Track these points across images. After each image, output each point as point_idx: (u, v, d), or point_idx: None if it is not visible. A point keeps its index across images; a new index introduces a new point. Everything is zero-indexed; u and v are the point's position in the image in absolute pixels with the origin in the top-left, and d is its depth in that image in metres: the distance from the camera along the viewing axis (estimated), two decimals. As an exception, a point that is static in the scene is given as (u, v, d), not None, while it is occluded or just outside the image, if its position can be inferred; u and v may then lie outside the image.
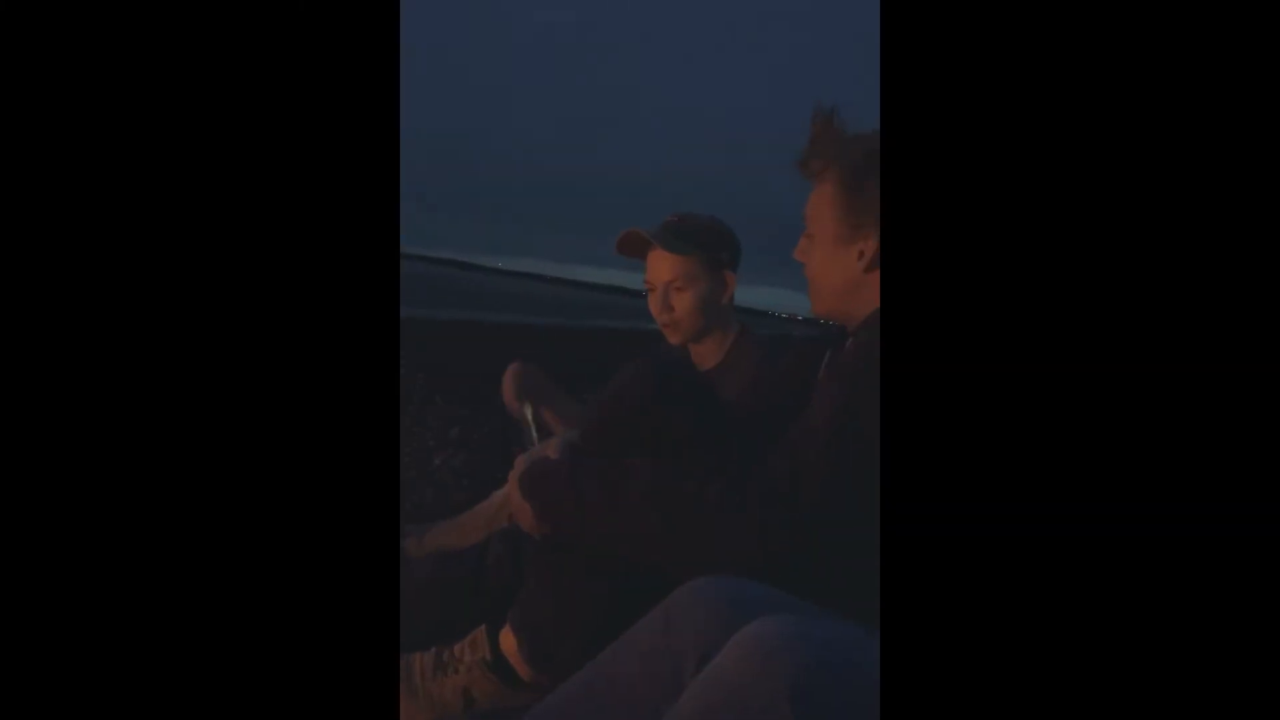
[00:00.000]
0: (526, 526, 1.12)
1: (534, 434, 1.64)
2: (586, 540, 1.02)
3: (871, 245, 1.03)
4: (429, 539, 1.67)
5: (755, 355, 1.65)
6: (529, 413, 1.66)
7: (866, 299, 1.05)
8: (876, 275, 1.04)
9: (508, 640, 1.13)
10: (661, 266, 1.65)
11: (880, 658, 0.57)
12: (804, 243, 1.10)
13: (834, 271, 1.07)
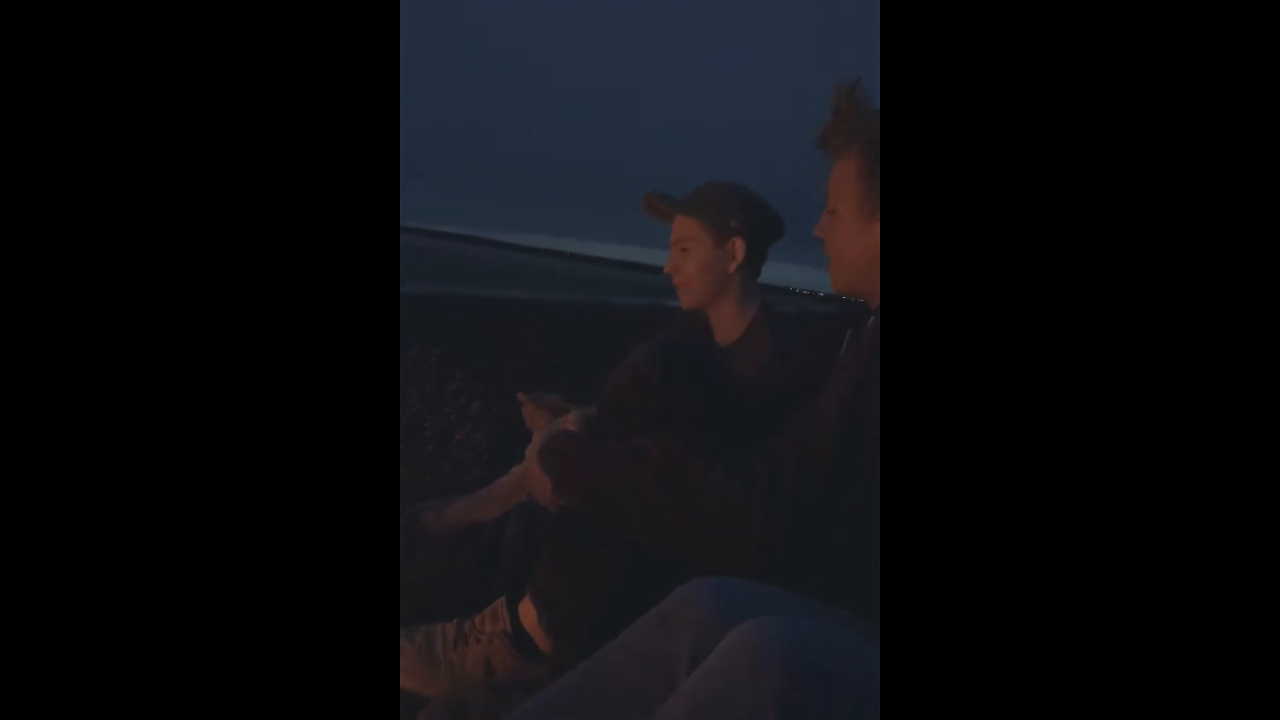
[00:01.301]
0: (543, 500, 1.12)
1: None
2: (600, 516, 1.03)
3: None
4: (449, 513, 1.69)
5: (774, 332, 1.65)
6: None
7: None
8: None
9: (527, 612, 1.14)
10: (674, 227, 1.71)
11: (880, 654, 0.57)
12: (826, 219, 1.10)
13: (856, 247, 1.06)
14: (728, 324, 1.70)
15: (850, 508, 0.86)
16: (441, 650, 1.17)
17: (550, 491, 1.08)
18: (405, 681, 1.17)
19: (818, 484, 0.87)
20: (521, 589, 1.17)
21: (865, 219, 1.05)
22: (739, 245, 1.66)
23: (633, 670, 0.76)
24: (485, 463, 2.61)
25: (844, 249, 1.08)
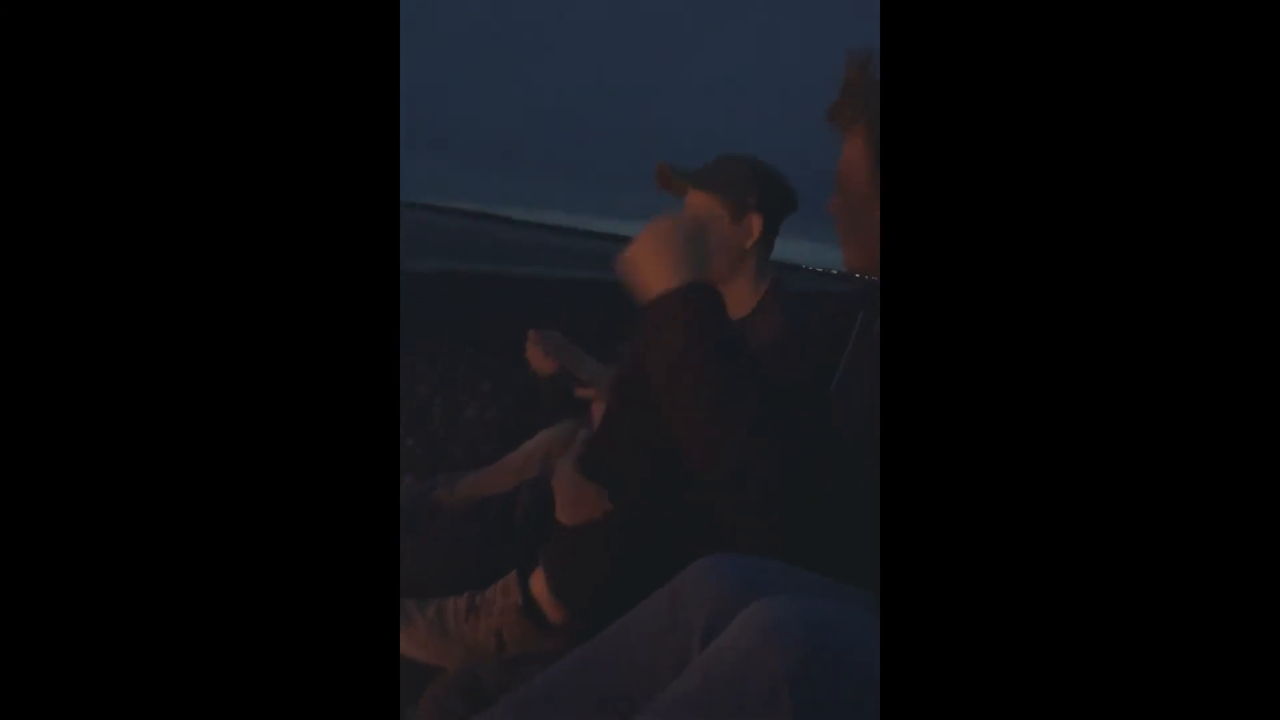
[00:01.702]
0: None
1: (571, 383, 1.67)
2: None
3: None
4: (460, 488, 1.70)
5: (785, 309, 1.65)
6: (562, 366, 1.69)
7: None
8: None
9: (538, 584, 1.15)
10: (689, 201, 1.68)
11: (881, 640, 0.57)
12: (837, 197, 1.09)
13: (867, 225, 1.05)
14: (739, 299, 1.70)
15: (866, 490, 0.87)
16: (453, 624, 1.19)
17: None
18: (417, 654, 1.19)
19: (836, 467, 0.87)
20: (533, 562, 1.18)
21: (875, 197, 1.03)
22: (756, 222, 1.65)
23: (644, 647, 0.76)
24: (496, 440, 2.62)
25: (855, 227, 1.07)
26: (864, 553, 0.84)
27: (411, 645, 1.19)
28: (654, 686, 0.72)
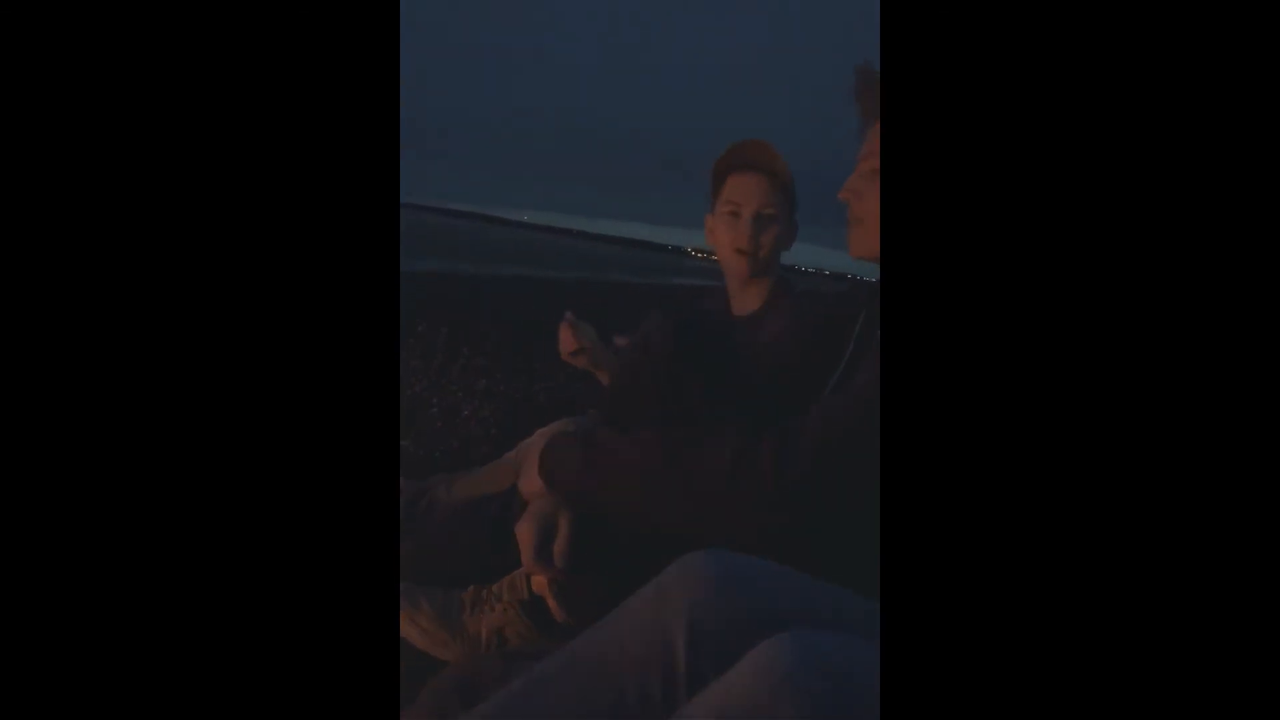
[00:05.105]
0: (527, 494, 1.11)
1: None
2: (601, 509, 1.01)
3: None
4: (459, 487, 1.71)
5: (792, 303, 1.63)
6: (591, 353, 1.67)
7: None
8: None
9: (540, 581, 1.16)
10: (758, 189, 1.57)
11: (880, 652, 0.56)
12: (856, 180, 1.04)
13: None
14: (752, 297, 1.67)
15: (863, 493, 0.86)
16: (458, 614, 1.19)
17: (539, 489, 1.05)
18: (419, 641, 1.19)
19: (834, 468, 0.87)
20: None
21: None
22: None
23: (628, 641, 0.76)
24: (493, 439, 2.63)
25: (870, 213, 1.03)
26: (862, 552, 0.85)
27: (414, 631, 1.19)
28: (640, 680, 0.72)
